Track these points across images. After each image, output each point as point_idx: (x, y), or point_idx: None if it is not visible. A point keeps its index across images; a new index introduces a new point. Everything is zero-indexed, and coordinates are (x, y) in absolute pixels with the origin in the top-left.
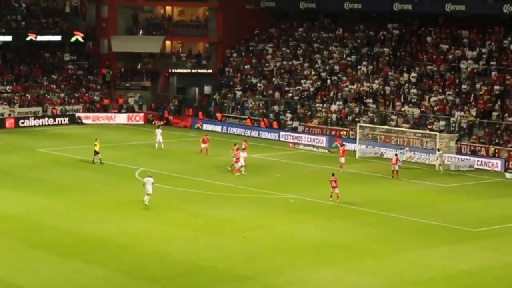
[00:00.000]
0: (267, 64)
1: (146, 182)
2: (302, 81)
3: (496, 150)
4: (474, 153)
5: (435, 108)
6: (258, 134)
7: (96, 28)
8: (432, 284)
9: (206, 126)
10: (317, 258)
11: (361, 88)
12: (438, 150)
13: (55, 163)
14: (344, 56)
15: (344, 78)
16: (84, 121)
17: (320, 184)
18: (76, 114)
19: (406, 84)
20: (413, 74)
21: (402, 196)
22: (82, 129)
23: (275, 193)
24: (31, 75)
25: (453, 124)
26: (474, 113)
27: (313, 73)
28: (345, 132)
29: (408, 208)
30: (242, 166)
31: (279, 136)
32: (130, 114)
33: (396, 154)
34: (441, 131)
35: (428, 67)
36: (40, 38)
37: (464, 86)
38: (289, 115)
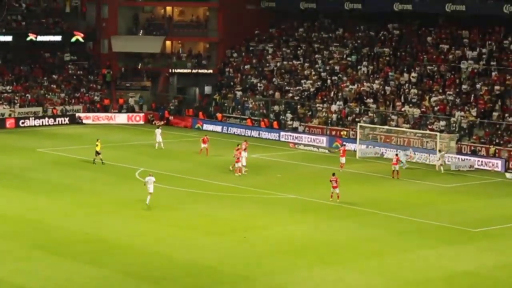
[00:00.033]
0: (267, 64)
1: (147, 181)
2: (303, 81)
3: (497, 150)
4: (474, 153)
5: (436, 108)
6: (259, 134)
7: (97, 28)
8: (432, 284)
9: (207, 126)
10: (317, 258)
11: (362, 88)
12: (440, 151)
13: (55, 163)
14: (345, 56)
15: (345, 78)
16: (85, 121)
17: (320, 184)
18: (77, 114)
19: (407, 84)
20: (413, 74)
21: (402, 196)
22: (82, 129)
23: (275, 193)
24: (32, 75)
25: (454, 124)
26: (474, 113)
27: (313, 73)
28: (345, 132)
29: (408, 208)
30: (243, 166)
31: (279, 136)
32: (130, 114)
33: (396, 154)
34: (441, 131)
35: (429, 67)
36: (40, 38)
37: (464, 86)
38: (289, 115)
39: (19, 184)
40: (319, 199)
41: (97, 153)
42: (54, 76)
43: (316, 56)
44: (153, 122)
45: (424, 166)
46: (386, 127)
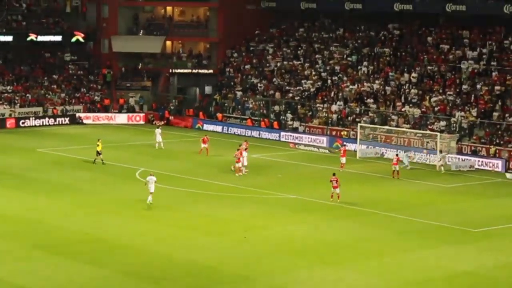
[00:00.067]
0: (267, 64)
1: (148, 181)
2: (303, 81)
3: (497, 150)
4: (474, 153)
5: (436, 108)
6: (259, 134)
7: (97, 28)
8: (432, 284)
9: (207, 126)
10: (317, 258)
11: (362, 88)
12: (441, 151)
13: (55, 163)
14: (345, 56)
15: (345, 78)
16: (85, 121)
17: (320, 184)
18: (77, 114)
19: (407, 84)
20: (413, 74)
21: (402, 196)
22: (82, 129)
23: (275, 193)
24: (32, 75)
25: (454, 124)
26: (474, 113)
27: (313, 73)
28: (345, 132)
29: (408, 208)
30: (244, 166)
31: (279, 136)
32: (131, 114)
33: (397, 155)
34: (441, 131)
35: (429, 67)
36: (40, 38)
37: (464, 86)
38: (289, 115)
39: (19, 184)
40: (320, 199)
41: (98, 153)
42: (54, 76)
43: (317, 56)
44: (153, 122)
45: (424, 166)
46: (387, 127)
